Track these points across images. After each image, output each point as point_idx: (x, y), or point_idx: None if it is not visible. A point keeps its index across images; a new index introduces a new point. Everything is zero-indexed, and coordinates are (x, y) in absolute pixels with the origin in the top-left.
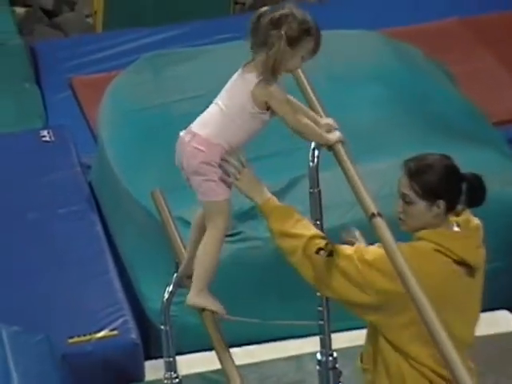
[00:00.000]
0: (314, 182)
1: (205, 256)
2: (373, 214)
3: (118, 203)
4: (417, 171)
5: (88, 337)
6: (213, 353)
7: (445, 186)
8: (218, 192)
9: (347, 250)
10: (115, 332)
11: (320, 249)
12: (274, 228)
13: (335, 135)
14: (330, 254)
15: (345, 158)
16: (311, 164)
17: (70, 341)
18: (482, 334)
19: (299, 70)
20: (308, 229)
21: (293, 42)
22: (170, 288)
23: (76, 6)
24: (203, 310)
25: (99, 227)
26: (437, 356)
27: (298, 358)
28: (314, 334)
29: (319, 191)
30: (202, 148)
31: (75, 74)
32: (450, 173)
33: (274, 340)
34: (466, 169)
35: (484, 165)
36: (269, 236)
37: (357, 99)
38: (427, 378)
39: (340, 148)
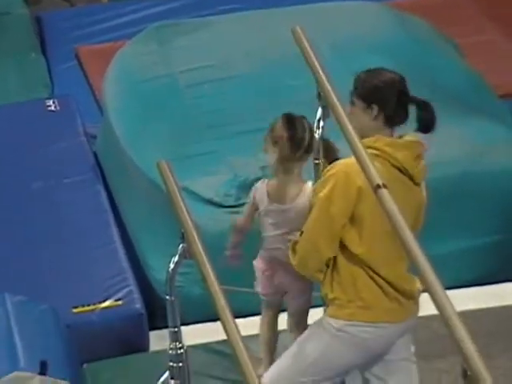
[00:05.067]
0: (318, 153)
1: None
2: (378, 186)
3: (123, 173)
4: (364, 77)
5: (92, 306)
6: (218, 323)
7: (382, 94)
8: None
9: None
10: (120, 302)
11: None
12: None
13: None
14: None
15: (349, 128)
16: (316, 135)
17: (75, 310)
18: (488, 306)
19: (305, 41)
20: None
21: None
22: (176, 258)
23: None
24: None
25: (104, 197)
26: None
27: None
28: (321, 306)
29: (323, 162)
30: None
31: (81, 44)
32: (393, 86)
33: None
34: (473, 141)
35: (490, 137)
36: None
37: (358, 69)
38: (379, 285)
39: (344, 118)
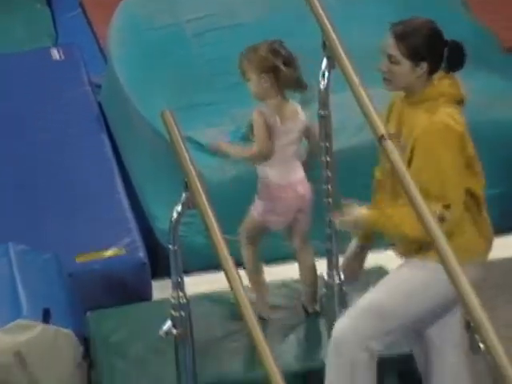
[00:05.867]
0: (324, 105)
1: None
2: (382, 136)
3: (127, 123)
4: (403, 33)
5: (95, 255)
6: (220, 273)
7: (429, 48)
8: None
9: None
10: (123, 251)
11: None
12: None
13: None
14: None
15: (354, 78)
16: (321, 86)
17: (78, 259)
18: (494, 258)
19: None
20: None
21: None
22: (179, 208)
23: None
24: None
25: (108, 147)
26: None
27: None
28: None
29: (329, 113)
30: None
31: None
32: (435, 36)
33: (282, 260)
34: (477, 94)
35: (495, 90)
36: None
37: (364, 17)
38: (478, 227)
39: (349, 68)
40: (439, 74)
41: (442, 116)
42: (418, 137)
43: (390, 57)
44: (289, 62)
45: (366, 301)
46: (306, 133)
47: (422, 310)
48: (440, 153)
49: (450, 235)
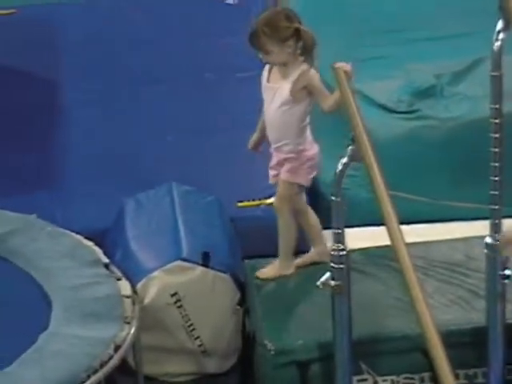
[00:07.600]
0: (497, 65)
1: None
2: None
3: None
4: None
5: (257, 202)
6: (381, 228)
7: None
8: None
9: None
10: None
11: None
12: None
13: None
14: None
15: None
16: (495, 47)
17: (239, 204)
18: None
19: None
20: None
21: None
22: (345, 160)
23: None
24: None
25: None
26: None
27: (465, 241)
28: (483, 219)
29: (501, 75)
30: None
31: None
32: None
33: (442, 221)
34: None
35: None
36: (446, 116)
37: None
38: None
39: None
40: None
41: None
42: None
43: None
44: (300, 20)
45: None
46: None
47: None
48: None
49: None
